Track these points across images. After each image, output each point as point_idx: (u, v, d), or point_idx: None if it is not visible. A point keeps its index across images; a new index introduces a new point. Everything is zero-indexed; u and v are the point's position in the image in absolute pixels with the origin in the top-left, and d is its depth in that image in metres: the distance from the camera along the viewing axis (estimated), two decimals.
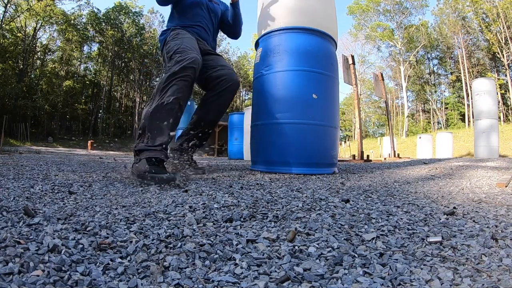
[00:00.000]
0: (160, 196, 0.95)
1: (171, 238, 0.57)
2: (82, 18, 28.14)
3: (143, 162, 1.28)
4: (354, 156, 5.23)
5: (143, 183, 1.24)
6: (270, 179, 1.46)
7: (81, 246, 0.50)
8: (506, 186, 1.20)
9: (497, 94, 10.94)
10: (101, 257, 0.47)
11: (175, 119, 1.43)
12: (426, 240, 0.58)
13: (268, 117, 1.81)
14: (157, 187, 1.12)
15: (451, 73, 29.60)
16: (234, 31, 2.04)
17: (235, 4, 1.91)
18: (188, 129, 1.85)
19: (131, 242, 0.53)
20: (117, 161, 1.32)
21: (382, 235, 0.61)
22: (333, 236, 0.59)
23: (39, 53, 26.29)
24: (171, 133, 1.43)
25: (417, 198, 0.98)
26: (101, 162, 2.78)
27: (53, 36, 26.80)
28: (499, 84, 22.01)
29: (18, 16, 22.80)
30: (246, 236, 0.58)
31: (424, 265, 0.47)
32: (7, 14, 21.79)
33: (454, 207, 0.83)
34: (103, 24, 28.88)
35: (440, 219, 0.72)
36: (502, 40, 22.16)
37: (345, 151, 14.01)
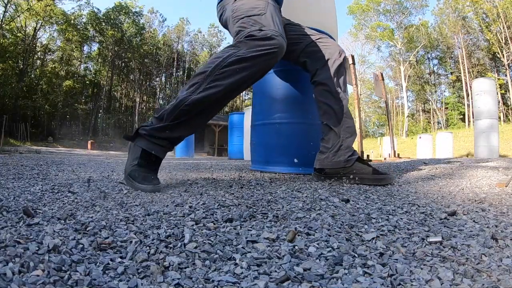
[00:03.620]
0: (160, 196, 0.95)
1: (171, 238, 0.57)
2: (82, 18, 28.18)
3: (136, 152, 1.06)
4: None
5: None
6: (270, 179, 1.46)
7: (81, 246, 0.50)
8: (506, 186, 1.20)
9: (497, 94, 10.95)
10: (101, 257, 0.47)
11: (209, 119, 1.13)
12: (426, 240, 0.58)
13: (268, 117, 1.81)
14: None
15: (451, 73, 29.61)
16: None
17: None
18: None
19: (131, 242, 0.53)
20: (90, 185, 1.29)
21: (382, 235, 0.61)
22: (333, 236, 0.59)
23: (39, 53, 26.33)
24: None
25: (417, 198, 0.98)
26: (101, 161, 2.79)
27: (53, 36, 26.84)
28: (499, 84, 22.02)
29: (18, 16, 22.82)
30: (246, 237, 0.58)
31: (424, 265, 0.47)
32: (7, 14, 21.80)
33: (455, 209, 0.83)
34: (103, 24, 28.90)
35: (440, 219, 0.72)
36: (502, 40, 22.16)
37: None
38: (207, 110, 1.08)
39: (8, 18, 21.76)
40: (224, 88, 1.03)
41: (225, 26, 1.37)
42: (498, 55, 22.93)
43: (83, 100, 29.48)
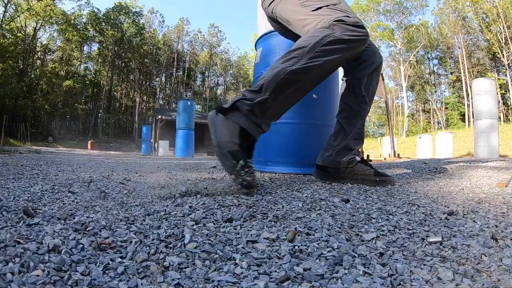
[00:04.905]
0: (160, 196, 0.95)
1: (171, 238, 0.57)
2: (82, 18, 28.20)
3: (233, 128, 0.97)
4: None
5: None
6: (270, 179, 1.46)
7: (81, 246, 0.50)
8: (506, 186, 1.20)
9: (497, 94, 10.95)
10: (101, 257, 0.47)
11: (301, 98, 1.08)
12: (426, 240, 0.58)
13: None
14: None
15: (451, 73, 29.62)
16: None
17: None
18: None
19: (131, 242, 0.53)
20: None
21: (382, 235, 0.61)
22: (333, 236, 0.59)
23: (39, 53, 26.34)
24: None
25: (417, 198, 0.98)
26: (101, 161, 2.79)
27: (53, 36, 26.85)
28: (499, 84, 22.03)
29: (18, 16, 22.82)
30: (246, 237, 0.58)
31: (424, 265, 0.47)
32: (7, 14, 21.80)
33: (455, 209, 0.83)
34: (103, 24, 28.92)
35: (440, 219, 0.72)
36: (502, 40, 22.16)
37: None
38: (300, 88, 1.04)
39: (8, 18, 21.77)
40: (323, 67, 1.01)
41: (272, 14, 1.31)
42: (498, 55, 22.94)
43: (83, 100, 29.51)
